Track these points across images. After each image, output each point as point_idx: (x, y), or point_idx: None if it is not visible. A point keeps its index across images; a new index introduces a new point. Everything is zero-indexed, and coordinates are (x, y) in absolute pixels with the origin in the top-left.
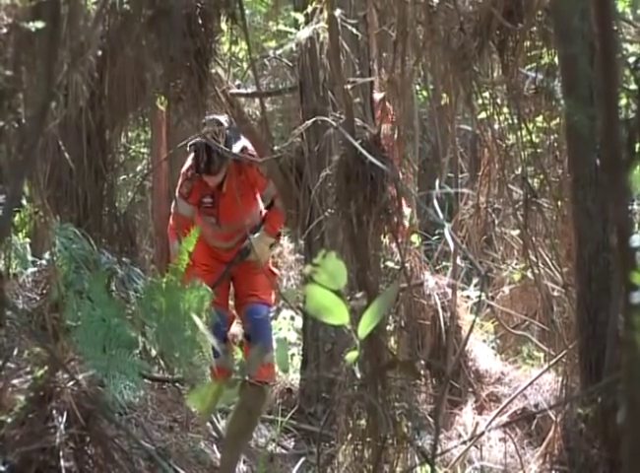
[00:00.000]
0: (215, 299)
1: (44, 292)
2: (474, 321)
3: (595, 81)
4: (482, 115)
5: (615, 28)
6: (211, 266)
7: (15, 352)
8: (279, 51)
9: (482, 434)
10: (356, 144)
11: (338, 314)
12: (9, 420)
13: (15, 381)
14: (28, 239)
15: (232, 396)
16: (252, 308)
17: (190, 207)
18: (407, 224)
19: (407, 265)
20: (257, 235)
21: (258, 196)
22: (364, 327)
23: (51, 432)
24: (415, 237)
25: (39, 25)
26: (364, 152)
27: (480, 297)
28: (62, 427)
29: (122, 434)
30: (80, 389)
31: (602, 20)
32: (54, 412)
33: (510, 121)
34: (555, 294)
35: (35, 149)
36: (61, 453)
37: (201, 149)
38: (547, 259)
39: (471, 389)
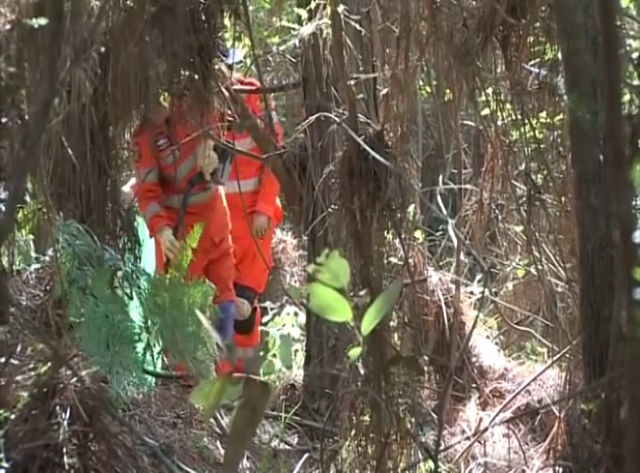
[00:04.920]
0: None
1: (48, 288)
2: (477, 317)
3: (598, 76)
4: (486, 111)
5: (619, 23)
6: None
7: (18, 348)
8: (282, 47)
9: (486, 429)
10: (360, 140)
11: (341, 312)
12: (12, 416)
13: (18, 378)
14: (31, 236)
15: (236, 393)
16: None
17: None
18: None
19: (410, 261)
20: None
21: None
22: (368, 323)
23: (55, 428)
24: (418, 233)
25: (42, 21)
26: (368, 148)
27: (483, 292)
28: (65, 423)
29: (126, 430)
30: (83, 386)
31: (605, 15)
32: (57, 408)
33: (513, 117)
34: (559, 289)
35: (38, 145)
36: (64, 450)
37: None
38: (551, 255)
39: (474, 385)
